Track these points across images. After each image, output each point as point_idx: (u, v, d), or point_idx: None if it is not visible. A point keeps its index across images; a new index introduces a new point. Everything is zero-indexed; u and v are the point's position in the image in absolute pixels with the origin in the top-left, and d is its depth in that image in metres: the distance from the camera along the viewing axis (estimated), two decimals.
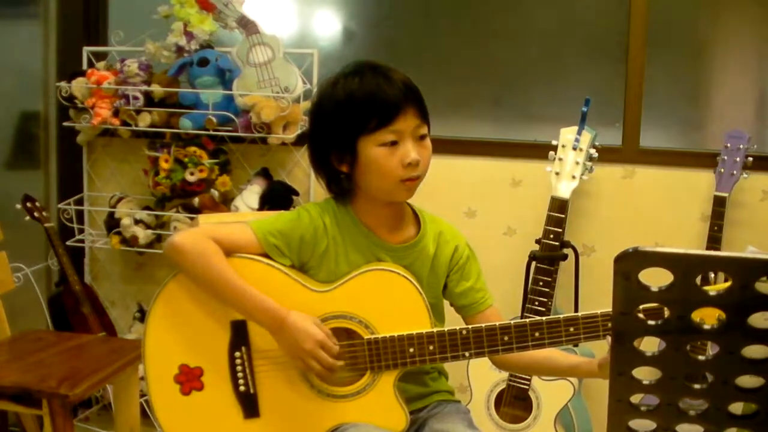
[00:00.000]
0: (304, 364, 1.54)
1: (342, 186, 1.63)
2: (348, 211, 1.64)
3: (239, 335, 1.59)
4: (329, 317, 1.58)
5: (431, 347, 1.55)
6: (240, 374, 1.59)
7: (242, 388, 1.60)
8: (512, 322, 1.55)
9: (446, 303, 1.73)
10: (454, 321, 1.67)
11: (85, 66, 3.01)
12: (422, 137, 1.57)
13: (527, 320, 1.54)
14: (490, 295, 1.71)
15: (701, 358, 0.91)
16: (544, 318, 1.54)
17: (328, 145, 1.59)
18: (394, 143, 1.53)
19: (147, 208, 2.98)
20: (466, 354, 1.56)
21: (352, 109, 1.54)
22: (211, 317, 1.59)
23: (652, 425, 0.96)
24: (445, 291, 1.70)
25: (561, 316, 1.53)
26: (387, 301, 1.58)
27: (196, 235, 1.58)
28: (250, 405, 1.60)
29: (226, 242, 1.57)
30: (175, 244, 1.56)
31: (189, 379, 1.60)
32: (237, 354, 1.59)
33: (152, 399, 1.62)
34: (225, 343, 1.59)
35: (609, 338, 1.45)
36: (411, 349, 1.56)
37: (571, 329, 1.52)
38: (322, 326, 1.55)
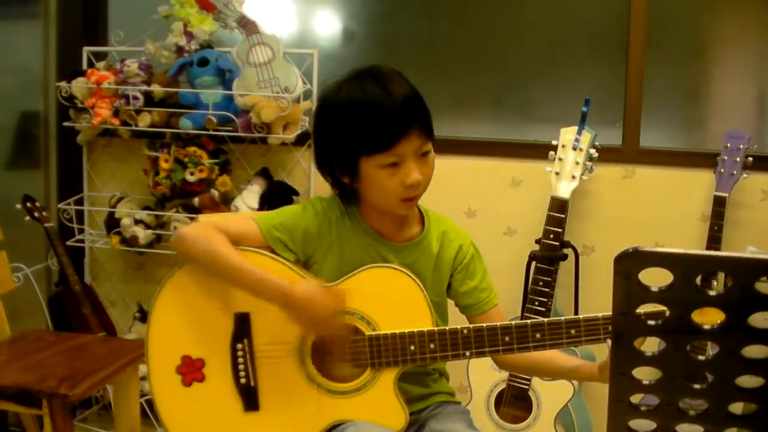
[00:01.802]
0: (315, 331, 1.56)
1: (346, 190, 1.64)
2: (353, 210, 1.65)
3: (242, 327, 1.60)
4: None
5: (432, 345, 1.56)
6: (241, 366, 1.60)
7: (243, 380, 1.60)
8: (513, 322, 1.56)
9: (451, 304, 1.73)
10: (457, 321, 1.67)
11: (85, 66, 3.01)
12: (425, 153, 1.56)
13: (529, 321, 1.55)
14: (495, 294, 1.71)
15: (701, 358, 0.91)
16: (545, 319, 1.54)
17: (331, 157, 1.60)
18: (395, 164, 1.53)
19: (147, 208, 2.98)
20: (467, 353, 1.56)
21: (353, 130, 1.53)
22: (215, 309, 1.60)
23: (652, 425, 0.96)
24: (449, 290, 1.71)
25: (562, 318, 1.53)
26: (389, 299, 1.59)
27: (200, 225, 1.63)
28: (250, 398, 1.60)
29: (231, 235, 1.60)
30: (180, 234, 1.60)
31: (191, 371, 1.61)
32: (239, 346, 1.60)
33: (154, 390, 1.63)
34: (228, 335, 1.60)
35: (609, 341, 1.45)
36: (412, 347, 1.56)
37: (572, 331, 1.52)
38: (331, 289, 1.55)
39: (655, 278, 0.90)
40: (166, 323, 1.62)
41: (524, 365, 1.71)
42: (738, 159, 2.55)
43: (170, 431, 1.62)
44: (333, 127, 1.58)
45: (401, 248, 1.65)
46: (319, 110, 1.62)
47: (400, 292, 1.59)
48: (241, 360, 1.60)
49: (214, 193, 2.85)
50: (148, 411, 2.63)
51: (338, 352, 1.58)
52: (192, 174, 2.81)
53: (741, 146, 2.56)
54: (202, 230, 1.59)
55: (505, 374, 2.51)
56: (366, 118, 1.51)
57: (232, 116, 2.77)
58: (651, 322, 0.90)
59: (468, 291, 1.69)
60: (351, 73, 1.58)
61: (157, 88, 2.82)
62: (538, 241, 2.50)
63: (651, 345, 0.94)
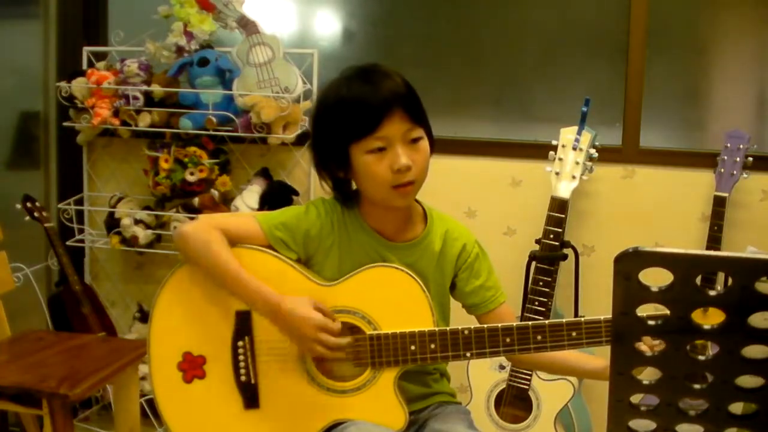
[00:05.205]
0: (308, 349, 1.55)
1: (346, 190, 1.65)
2: (355, 212, 1.65)
3: (243, 325, 1.60)
4: (333, 312, 1.59)
5: (433, 345, 1.56)
6: (242, 364, 1.60)
7: (243, 378, 1.61)
8: (514, 324, 1.56)
9: (457, 304, 1.73)
10: (462, 322, 1.67)
11: (85, 66, 3.01)
12: (415, 140, 1.56)
13: (530, 323, 1.54)
14: (503, 292, 1.71)
15: (701, 358, 0.91)
16: (546, 321, 1.54)
17: (325, 152, 1.61)
18: (382, 149, 1.53)
19: (147, 208, 2.98)
20: (467, 354, 1.56)
21: (340, 117, 1.56)
22: (217, 306, 1.61)
23: (652, 425, 0.95)
24: (454, 290, 1.70)
25: (564, 320, 1.54)
26: (390, 298, 1.59)
27: (202, 224, 1.62)
28: (250, 395, 1.61)
29: (233, 233, 1.61)
30: (181, 231, 1.61)
31: (192, 367, 1.62)
32: (240, 343, 1.60)
33: (155, 386, 1.63)
34: (229, 333, 1.61)
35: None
36: (412, 347, 1.56)
37: (574, 334, 1.52)
38: (320, 306, 1.55)
39: (655, 278, 0.90)
40: (168, 320, 1.63)
41: (542, 363, 1.71)
42: (738, 159, 2.55)
43: (171, 428, 1.63)
44: (324, 123, 1.60)
45: (402, 248, 1.64)
46: (314, 111, 1.65)
47: (401, 292, 1.59)
48: (242, 357, 1.60)
49: (214, 193, 2.85)
50: (148, 411, 2.63)
51: (334, 357, 1.58)
52: (192, 174, 2.81)
53: (741, 146, 2.56)
54: (202, 232, 1.59)
55: (505, 374, 2.51)
56: (351, 106, 1.54)
57: (232, 116, 2.77)
58: (651, 322, 0.90)
59: (473, 290, 1.68)
60: (343, 72, 1.60)
61: (157, 88, 2.82)
62: (538, 241, 2.50)
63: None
